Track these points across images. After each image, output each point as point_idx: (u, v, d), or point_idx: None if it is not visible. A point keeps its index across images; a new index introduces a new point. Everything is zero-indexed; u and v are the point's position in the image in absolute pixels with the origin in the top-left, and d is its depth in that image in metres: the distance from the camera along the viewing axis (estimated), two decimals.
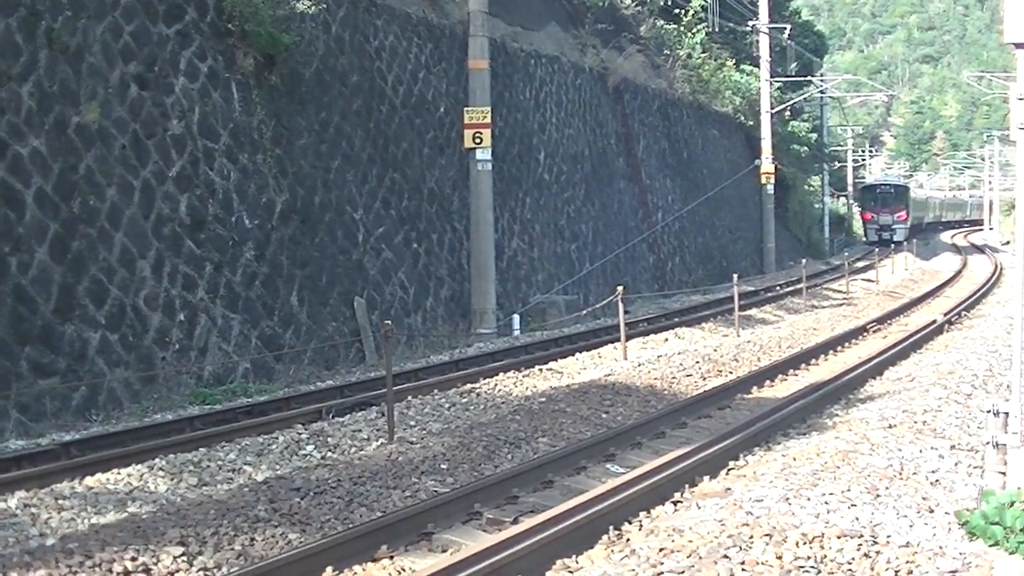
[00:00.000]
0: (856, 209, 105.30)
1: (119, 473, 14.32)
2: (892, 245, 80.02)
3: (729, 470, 14.51)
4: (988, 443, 11.50)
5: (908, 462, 13.59)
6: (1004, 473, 11.37)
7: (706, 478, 13.92)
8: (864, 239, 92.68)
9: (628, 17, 51.01)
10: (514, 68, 36.78)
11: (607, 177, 43.65)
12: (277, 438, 16.46)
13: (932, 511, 11.56)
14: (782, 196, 70.27)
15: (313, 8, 25.75)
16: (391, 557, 11.00)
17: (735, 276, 33.08)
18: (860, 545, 10.09)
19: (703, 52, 58.67)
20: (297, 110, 25.65)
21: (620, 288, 27.21)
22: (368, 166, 27.84)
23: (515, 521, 11.99)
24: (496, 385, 21.50)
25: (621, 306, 26.33)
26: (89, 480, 14.01)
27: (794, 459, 14.09)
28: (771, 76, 64.55)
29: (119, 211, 20.17)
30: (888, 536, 10.44)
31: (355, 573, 10.64)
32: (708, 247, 55.39)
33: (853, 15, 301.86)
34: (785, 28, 68.75)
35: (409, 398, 19.72)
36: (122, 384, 19.45)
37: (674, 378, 22.44)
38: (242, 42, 23.87)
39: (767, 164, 62.55)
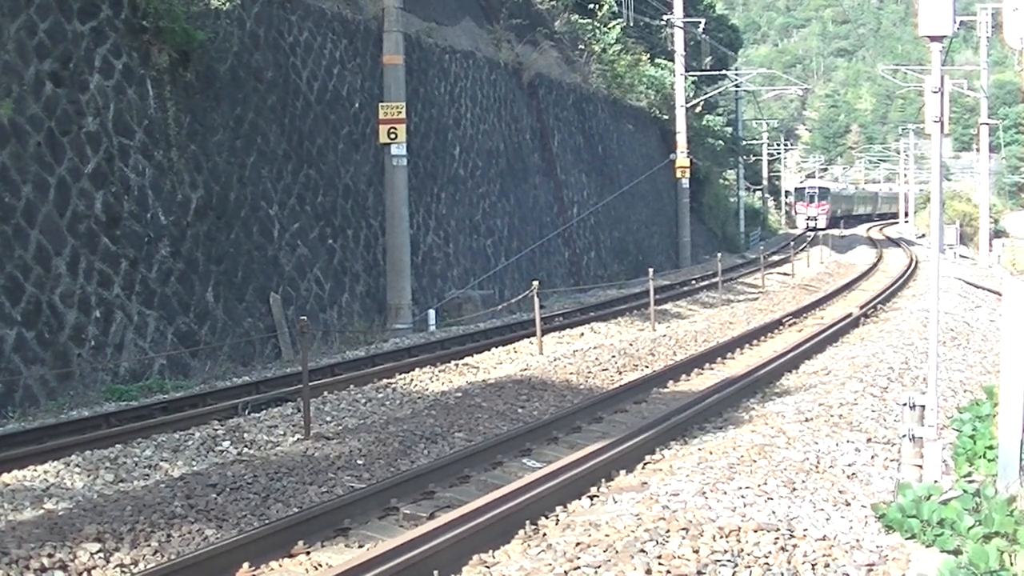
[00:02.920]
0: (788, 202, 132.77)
1: (35, 470, 14.31)
2: (814, 232, 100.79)
3: (645, 464, 14.58)
4: (904, 436, 11.64)
5: (825, 455, 13.73)
6: (920, 466, 11.53)
7: (622, 472, 14.00)
8: (796, 225, 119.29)
9: (543, 12, 51.15)
10: (429, 63, 36.82)
11: (522, 172, 43.76)
12: (193, 434, 16.47)
13: (849, 504, 11.69)
14: (697, 190, 70.58)
15: (227, 4, 25.70)
16: (308, 552, 11.06)
17: (650, 270, 33.33)
18: (777, 539, 10.18)
19: (619, 47, 58.79)
20: (212, 106, 25.59)
21: (535, 283, 27.36)
22: (283, 162, 27.82)
23: (431, 516, 12.05)
24: (412, 380, 21.57)
25: (536, 301, 26.45)
26: (6, 477, 13.99)
27: (710, 453, 14.17)
28: (686, 70, 64.88)
29: (34, 208, 20.08)
30: (805, 530, 10.55)
31: (272, 569, 10.69)
32: (623, 242, 55.57)
33: (768, 9, 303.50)
34: (700, 22, 69.01)
35: (325, 394, 19.78)
36: (38, 381, 19.38)
37: (590, 372, 22.52)
38: (157, 39, 23.78)
39: (682, 158, 62.90)
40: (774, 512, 11.07)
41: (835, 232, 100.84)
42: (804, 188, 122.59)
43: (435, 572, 10.01)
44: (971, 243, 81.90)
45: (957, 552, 9.80)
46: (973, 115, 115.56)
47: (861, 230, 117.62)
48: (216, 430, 16.77)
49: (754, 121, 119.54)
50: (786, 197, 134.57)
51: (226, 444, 16.12)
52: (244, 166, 26.24)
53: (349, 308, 29.48)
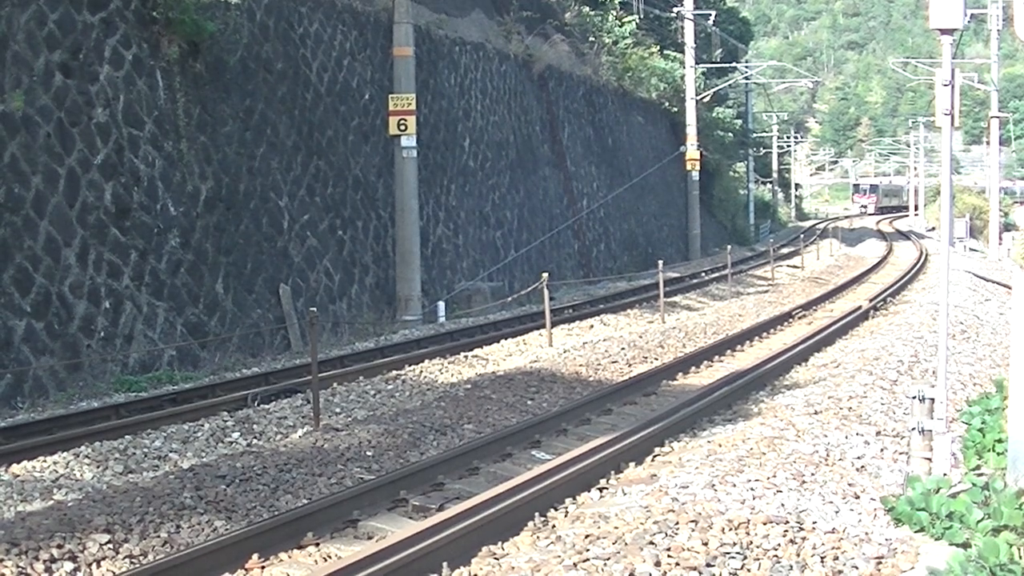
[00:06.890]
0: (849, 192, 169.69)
1: (45, 461, 14.33)
2: (865, 215, 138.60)
3: (655, 457, 14.53)
4: (914, 429, 11.59)
5: (834, 448, 13.68)
6: (930, 459, 11.48)
7: (632, 465, 13.95)
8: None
9: (553, 4, 51.10)
10: (439, 55, 36.81)
11: (532, 164, 43.73)
12: (203, 425, 16.49)
13: (858, 497, 11.63)
14: (707, 183, 70.53)
15: None
16: (317, 544, 11.05)
17: (660, 263, 33.26)
18: (786, 531, 10.14)
19: (630, 42, 58.73)
20: (222, 97, 25.60)
21: (545, 275, 27.35)
22: (293, 153, 27.82)
23: (441, 508, 12.03)
24: (421, 372, 21.55)
25: (546, 293, 26.43)
26: (15, 468, 14.01)
27: (720, 446, 14.13)
28: (696, 63, 64.77)
29: (44, 199, 20.10)
30: (814, 522, 10.50)
31: (281, 560, 10.68)
32: (633, 234, 55.54)
33: (778, 2, 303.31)
34: (710, 14, 68.86)
35: (334, 385, 19.77)
36: (47, 372, 19.40)
37: (599, 365, 22.46)
38: (167, 30, 23.79)
39: (692, 151, 62.84)
40: (783, 505, 11.04)
41: (844, 224, 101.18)
42: (860, 184, 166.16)
43: (444, 564, 10.00)
44: (981, 236, 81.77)
45: (966, 545, 9.76)
46: (983, 108, 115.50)
47: (871, 222, 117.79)
48: (225, 421, 16.78)
49: (764, 114, 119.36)
50: (797, 189, 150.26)
51: (235, 435, 16.14)
52: (254, 157, 26.24)
53: (358, 300, 29.49)
